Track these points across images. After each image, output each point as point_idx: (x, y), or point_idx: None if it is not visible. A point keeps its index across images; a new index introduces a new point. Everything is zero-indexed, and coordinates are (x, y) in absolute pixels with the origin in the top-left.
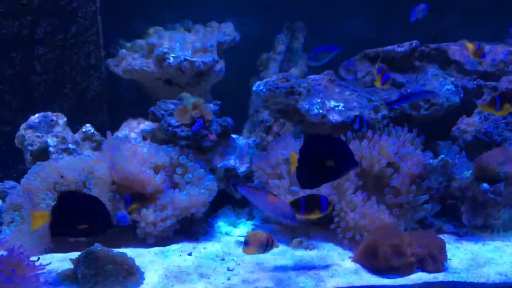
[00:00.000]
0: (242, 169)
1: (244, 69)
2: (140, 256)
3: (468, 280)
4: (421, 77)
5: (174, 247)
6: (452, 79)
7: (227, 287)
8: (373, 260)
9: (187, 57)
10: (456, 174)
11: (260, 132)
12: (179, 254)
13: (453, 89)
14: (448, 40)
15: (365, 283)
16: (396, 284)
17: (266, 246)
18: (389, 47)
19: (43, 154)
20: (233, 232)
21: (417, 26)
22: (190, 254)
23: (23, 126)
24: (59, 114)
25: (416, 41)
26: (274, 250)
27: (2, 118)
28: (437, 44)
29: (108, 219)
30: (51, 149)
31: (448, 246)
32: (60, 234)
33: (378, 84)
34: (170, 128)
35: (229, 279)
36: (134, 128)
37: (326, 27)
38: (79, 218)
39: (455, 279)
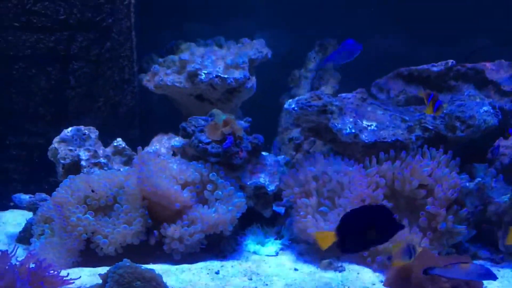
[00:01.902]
0: (272, 187)
1: (274, 85)
2: (168, 272)
3: None
4: (457, 97)
5: (201, 264)
6: (490, 100)
7: None
8: (405, 285)
9: (219, 74)
10: (493, 198)
11: (290, 149)
12: (206, 272)
13: (491, 110)
14: (483, 59)
15: None
16: None
17: (410, 254)
18: (424, 66)
19: (75, 167)
20: (261, 251)
21: (450, 45)
22: (217, 273)
23: (56, 139)
24: (91, 128)
25: (452, 60)
26: (304, 271)
27: (36, 131)
28: (473, 64)
29: (393, 221)
30: (83, 162)
31: None
32: (350, 251)
33: (429, 111)
34: (200, 144)
35: None
36: (164, 143)
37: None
38: (366, 228)
39: None
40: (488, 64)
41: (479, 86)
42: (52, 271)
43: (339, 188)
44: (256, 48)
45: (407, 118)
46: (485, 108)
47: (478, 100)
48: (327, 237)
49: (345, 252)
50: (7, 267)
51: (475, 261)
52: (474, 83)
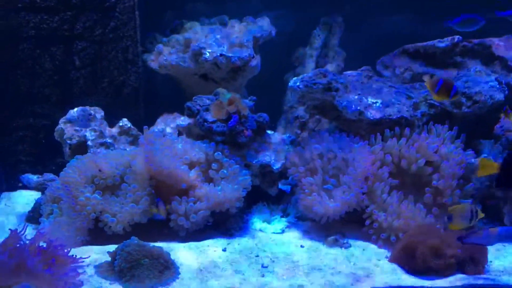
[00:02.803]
0: (277, 165)
1: (279, 64)
2: (175, 250)
3: (510, 283)
4: (463, 73)
5: (208, 242)
6: (496, 75)
7: (261, 284)
8: (411, 261)
9: (223, 52)
10: None
11: (295, 128)
12: (213, 250)
13: (497, 86)
14: (491, 35)
15: (402, 283)
16: (435, 285)
17: (471, 218)
18: (429, 42)
19: (81, 147)
20: (267, 228)
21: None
22: (224, 250)
23: (62, 120)
24: (96, 108)
25: (458, 36)
26: (310, 247)
27: (42, 112)
28: (480, 39)
29: None
30: (89, 143)
31: (489, 248)
32: (506, 187)
33: (440, 98)
34: (205, 123)
35: (263, 275)
36: (170, 123)
37: (364, 22)
38: None
39: (496, 282)
40: (496, 40)
41: (486, 62)
42: (62, 250)
43: (344, 165)
44: (260, 27)
45: (412, 95)
46: (491, 83)
47: (484, 75)
48: (488, 166)
49: (501, 186)
50: (17, 246)
51: None
52: (481, 59)
